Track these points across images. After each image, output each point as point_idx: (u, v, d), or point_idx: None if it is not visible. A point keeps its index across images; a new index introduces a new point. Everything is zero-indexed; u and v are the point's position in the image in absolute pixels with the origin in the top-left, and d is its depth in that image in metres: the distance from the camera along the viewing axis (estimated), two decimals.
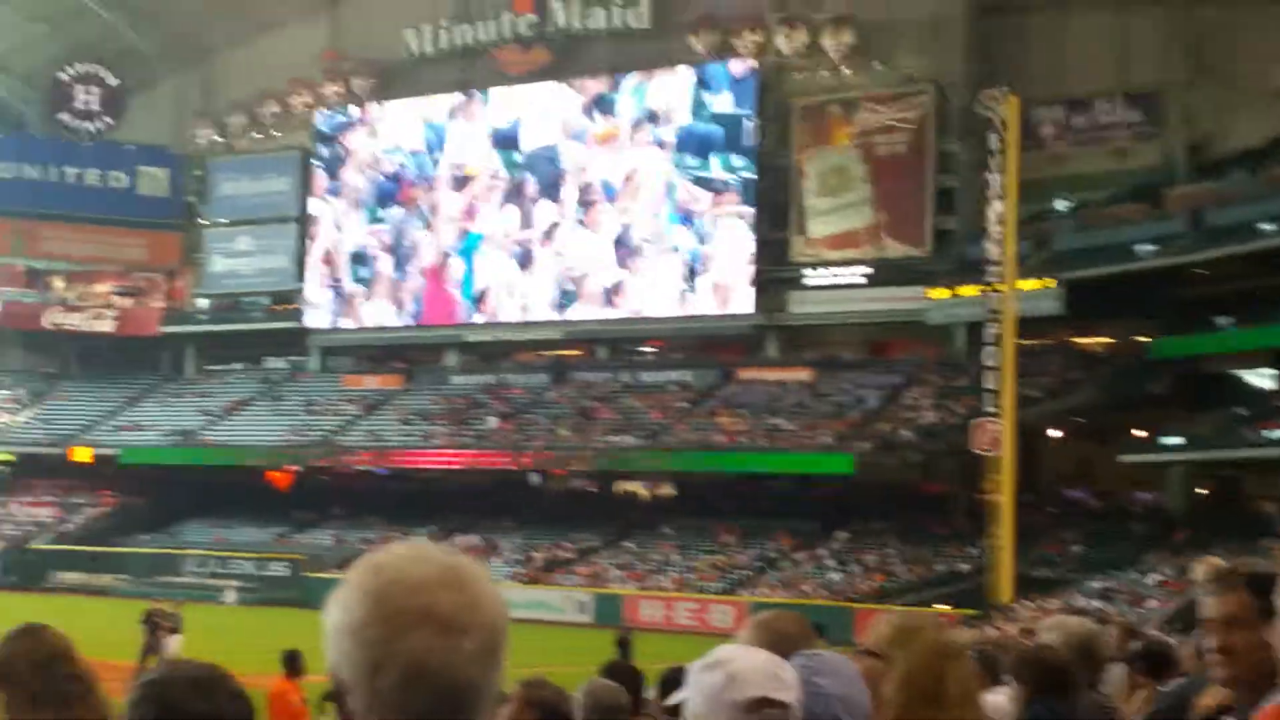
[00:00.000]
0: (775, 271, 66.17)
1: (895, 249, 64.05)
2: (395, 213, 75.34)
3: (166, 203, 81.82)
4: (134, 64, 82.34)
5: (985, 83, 55.81)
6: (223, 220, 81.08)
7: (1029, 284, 53.57)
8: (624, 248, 69.36)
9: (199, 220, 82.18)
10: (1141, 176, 60.04)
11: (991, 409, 50.55)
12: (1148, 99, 61.51)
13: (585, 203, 70.41)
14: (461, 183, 73.61)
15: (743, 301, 66.41)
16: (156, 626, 30.36)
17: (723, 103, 67.81)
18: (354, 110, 77.01)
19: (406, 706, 1.93)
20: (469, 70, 74.40)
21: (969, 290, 56.64)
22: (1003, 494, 49.01)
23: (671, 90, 69.02)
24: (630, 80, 70.03)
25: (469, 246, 73.21)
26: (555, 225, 71.04)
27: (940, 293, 60.12)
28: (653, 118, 69.25)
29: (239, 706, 2.46)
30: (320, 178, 77.45)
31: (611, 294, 69.38)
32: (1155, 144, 61.24)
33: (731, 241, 66.81)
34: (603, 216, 69.93)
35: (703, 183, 67.83)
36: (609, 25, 71.39)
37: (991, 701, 5.23)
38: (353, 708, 1.97)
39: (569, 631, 47.31)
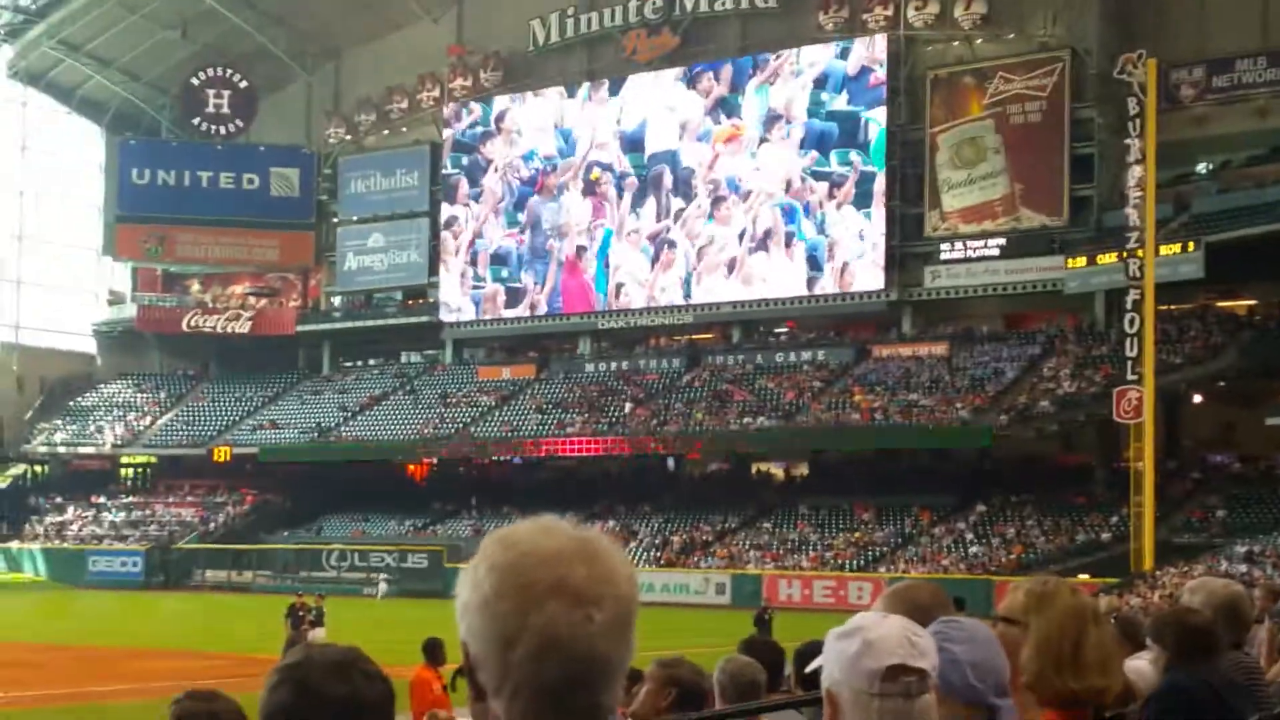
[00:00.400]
0: (909, 247, 65.74)
1: (1031, 219, 63.26)
2: (531, 212, 75.78)
3: (298, 202, 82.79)
4: (264, 65, 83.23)
5: (1121, 47, 54.72)
6: (354, 218, 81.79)
7: (1169, 248, 52.60)
8: (751, 239, 69.48)
9: (331, 218, 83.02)
10: None
11: (1132, 376, 49.76)
12: None
13: (712, 198, 70.62)
14: (591, 183, 73.96)
15: (873, 280, 66.13)
16: (300, 620, 30.84)
17: (839, 101, 68.06)
18: (491, 106, 77.13)
19: (538, 679, 1.90)
20: (596, 59, 74.56)
21: (1107, 257, 55.73)
22: (1145, 461, 48.26)
23: (791, 91, 69.24)
24: (752, 83, 70.11)
25: (601, 240, 73.59)
26: (684, 221, 71.35)
27: (1078, 261, 59.20)
28: (774, 118, 69.38)
29: (378, 689, 2.43)
30: (462, 185, 77.91)
31: (741, 280, 69.36)
32: None
33: (855, 228, 66.71)
34: (728, 210, 70.38)
35: (821, 176, 68.04)
36: (736, 6, 71.09)
37: (1133, 666, 5.14)
38: (484, 683, 1.94)
39: (708, 614, 47.34)
